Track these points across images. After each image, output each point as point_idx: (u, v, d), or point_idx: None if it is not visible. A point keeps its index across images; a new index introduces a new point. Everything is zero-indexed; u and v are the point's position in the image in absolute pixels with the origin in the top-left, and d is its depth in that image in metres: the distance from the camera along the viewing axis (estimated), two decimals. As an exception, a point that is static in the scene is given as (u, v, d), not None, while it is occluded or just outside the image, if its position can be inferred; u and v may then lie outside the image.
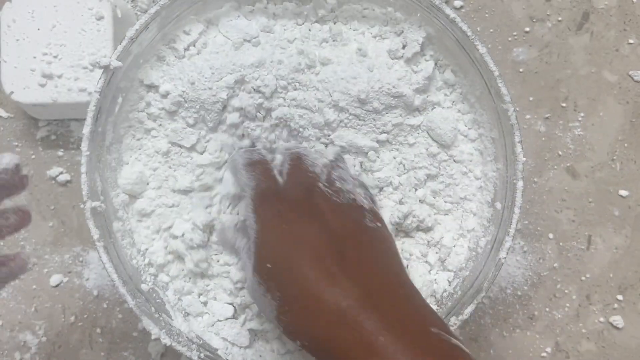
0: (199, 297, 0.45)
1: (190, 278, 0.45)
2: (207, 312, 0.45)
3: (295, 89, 0.44)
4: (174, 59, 0.45)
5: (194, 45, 0.45)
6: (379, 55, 0.45)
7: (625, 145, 0.51)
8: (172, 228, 0.44)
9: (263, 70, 0.43)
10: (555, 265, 0.51)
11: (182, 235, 0.44)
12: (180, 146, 0.45)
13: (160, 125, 0.45)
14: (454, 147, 0.46)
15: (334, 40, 0.45)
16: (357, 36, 0.46)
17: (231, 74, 0.43)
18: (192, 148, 0.45)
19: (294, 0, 0.45)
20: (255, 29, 0.45)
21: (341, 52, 0.45)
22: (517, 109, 0.50)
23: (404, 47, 0.45)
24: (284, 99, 0.44)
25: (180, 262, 0.45)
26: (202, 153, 0.45)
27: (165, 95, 0.44)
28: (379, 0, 0.45)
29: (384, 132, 0.44)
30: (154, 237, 0.45)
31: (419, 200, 0.45)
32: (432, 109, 0.46)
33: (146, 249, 0.44)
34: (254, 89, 0.43)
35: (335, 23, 0.46)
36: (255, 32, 0.44)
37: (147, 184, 0.45)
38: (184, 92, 0.43)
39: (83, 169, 0.41)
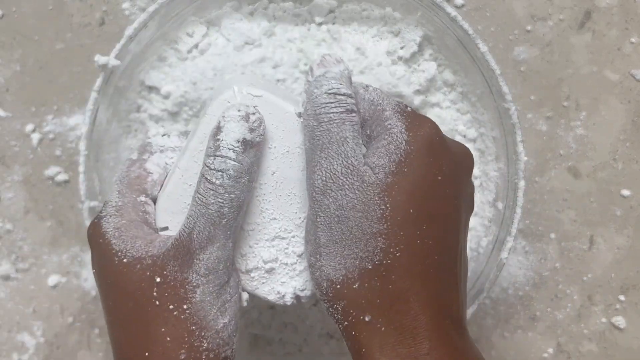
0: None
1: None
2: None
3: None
4: (176, 61, 0.44)
5: (197, 47, 0.44)
6: (377, 55, 0.45)
7: (627, 144, 0.51)
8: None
9: (264, 64, 0.43)
10: (557, 265, 0.50)
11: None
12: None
13: (162, 127, 0.45)
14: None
15: (333, 40, 0.45)
16: (355, 36, 0.46)
17: (233, 74, 0.43)
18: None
19: (294, 1, 0.45)
20: (257, 32, 0.44)
21: (340, 52, 0.45)
22: (519, 108, 0.49)
23: (402, 47, 0.45)
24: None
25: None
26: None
27: (167, 97, 0.44)
28: (378, 0, 0.45)
29: (385, 132, 0.44)
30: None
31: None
32: (431, 109, 0.45)
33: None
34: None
35: (334, 24, 0.46)
36: (257, 35, 0.44)
37: None
38: (185, 92, 0.43)
39: (81, 168, 0.41)
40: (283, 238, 0.35)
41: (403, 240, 0.31)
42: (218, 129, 0.32)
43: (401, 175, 0.31)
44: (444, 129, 0.45)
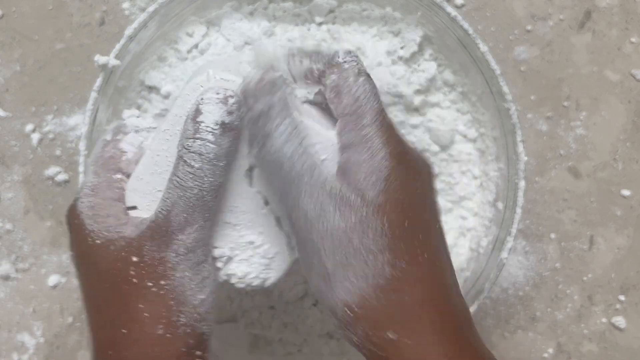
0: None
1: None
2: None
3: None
4: (176, 61, 0.44)
5: (197, 47, 0.44)
6: (377, 55, 0.45)
7: (628, 144, 0.51)
8: None
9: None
10: (557, 265, 0.50)
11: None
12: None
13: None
14: (453, 147, 0.46)
15: (333, 40, 0.45)
16: (355, 36, 0.46)
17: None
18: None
19: (294, 1, 0.45)
20: (257, 32, 0.44)
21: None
22: (519, 108, 0.49)
23: (402, 47, 0.45)
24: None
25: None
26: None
27: (167, 97, 0.44)
28: (378, 0, 0.45)
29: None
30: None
31: (420, 200, 0.45)
32: (431, 109, 0.45)
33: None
34: None
35: (334, 24, 0.46)
36: (257, 35, 0.44)
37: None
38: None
39: (81, 168, 0.41)
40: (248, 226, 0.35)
41: (405, 251, 0.31)
42: (197, 112, 0.32)
43: (390, 192, 0.31)
44: (444, 128, 0.45)
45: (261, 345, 0.45)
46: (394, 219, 0.31)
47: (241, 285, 0.35)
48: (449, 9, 0.41)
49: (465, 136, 0.46)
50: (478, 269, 0.43)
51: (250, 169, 0.34)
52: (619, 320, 0.50)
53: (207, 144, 0.31)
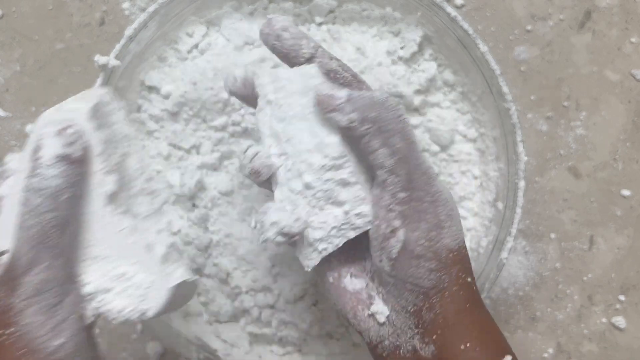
0: (198, 297, 0.45)
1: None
2: (206, 313, 0.45)
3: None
4: (176, 61, 0.44)
5: (197, 47, 0.44)
6: (377, 55, 0.45)
7: (628, 144, 0.51)
8: (169, 225, 0.44)
9: (264, 64, 0.43)
10: (557, 265, 0.50)
11: (179, 231, 0.44)
12: (180, 148, 0.45)
13: (163, 127, 0.45)
14: (453, 147, 0.46)
15: (333, 40, 0.45)
16: (355, 36, 0.46)
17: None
18: (190, 149, 0.45)
19: (294, 1, 0.45)
20: (257, 32, 0.44)
21: (340, 52, 0.45)
22: (519, 108, 0.49)
23: (402, 47, 0.45)
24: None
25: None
26: (199, 154, 0.45)
27: (167, 97, 0.44)
28: (378, 0, 0.45)
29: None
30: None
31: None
32: (431, 109, 0.45)
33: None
34: None
35: (334, 24, 0.46)
36: (257, 35, 0.44)
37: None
38: (185, 92, 0.43)
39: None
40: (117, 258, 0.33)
41: (447, 272, 0.33)
42: (37, 147, 0.31)
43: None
44: (444, 128, 0.45)
45: (261, 344, 0.45)
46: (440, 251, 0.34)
47: (121, 320, 0.33)
48: (449, 9, 0.41)
49: (465, 136, 0.46)
50: (478, 269, 0.43)
51: (114, 194, 0.33)
52: (619, 320, 0.50)
53: (45, 179, 0.30)
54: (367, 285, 0.35)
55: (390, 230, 0.33)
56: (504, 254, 0.41)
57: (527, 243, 0.50)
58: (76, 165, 0.31)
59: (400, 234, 0.32)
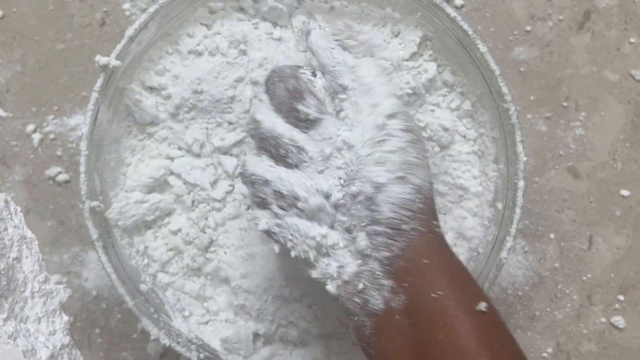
0: (198, 297, 0.45)
1: (189, 276, 0.45)
2: (206, 313, 0.45)
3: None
4: (177, 61, 0.44)
5: (197, 47, 0.44)
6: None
7: (627, 145, 0.51)
8: (170, 224, 0.44)
9: (268, 66, 0.43)
10: (557, 265, 0.50)
11: (179, 230, 0.44)
12: (180, 148, 0.45)
13: (163, 128, 0.45)
14: (453, 147, 0.46)
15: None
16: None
17: (234, 73, 0.43)
18: (190, 150, 0.45)
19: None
20: (257, 33, 0.44)
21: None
22: (518, 108, 0.49)
23: (402, 47, 0.45)
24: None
25: (180, 260, 0.45)
26: (199, 155, 0.45)
27: (167, 97, 0.44)
28: (378, 1, 0.45)
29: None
30: (156, 234, 0.45)
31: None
32: (430, 110, 0.45)
33: (146, 248, 0.44)
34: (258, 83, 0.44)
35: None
36: (257, 35, 0.44)
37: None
38: (186, 92, 0.43)
39: (82, 168, 0.41)
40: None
41: (415, 217, 0.34)
42: None
43: None
44: (444, 129, 0.45)
45: (261, 344, 0.45)
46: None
47: None
48: (449, 10, 0.41)
49: (464, 136, 0.46)
50: (477, 268, 0.43)
51: None
52: (618, 320, 0.50)
53: None
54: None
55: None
56: (504, 254, 0.41)
57: (526, 243, 0.50)
58: None
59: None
